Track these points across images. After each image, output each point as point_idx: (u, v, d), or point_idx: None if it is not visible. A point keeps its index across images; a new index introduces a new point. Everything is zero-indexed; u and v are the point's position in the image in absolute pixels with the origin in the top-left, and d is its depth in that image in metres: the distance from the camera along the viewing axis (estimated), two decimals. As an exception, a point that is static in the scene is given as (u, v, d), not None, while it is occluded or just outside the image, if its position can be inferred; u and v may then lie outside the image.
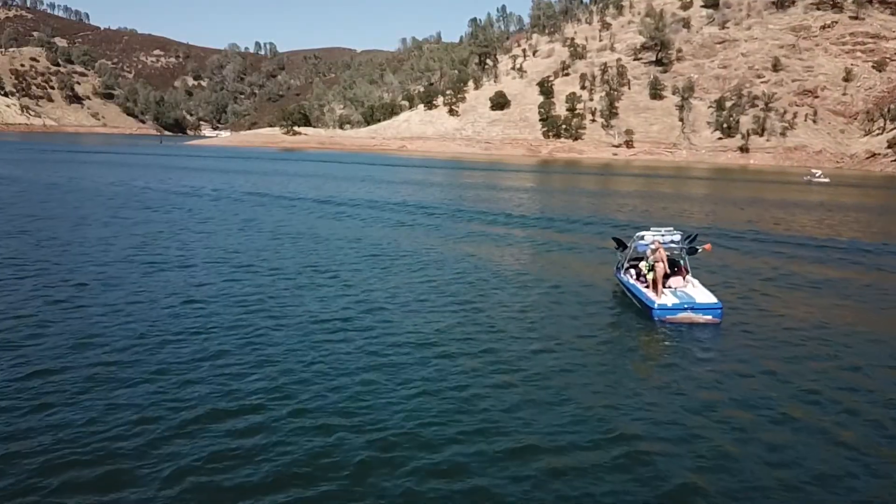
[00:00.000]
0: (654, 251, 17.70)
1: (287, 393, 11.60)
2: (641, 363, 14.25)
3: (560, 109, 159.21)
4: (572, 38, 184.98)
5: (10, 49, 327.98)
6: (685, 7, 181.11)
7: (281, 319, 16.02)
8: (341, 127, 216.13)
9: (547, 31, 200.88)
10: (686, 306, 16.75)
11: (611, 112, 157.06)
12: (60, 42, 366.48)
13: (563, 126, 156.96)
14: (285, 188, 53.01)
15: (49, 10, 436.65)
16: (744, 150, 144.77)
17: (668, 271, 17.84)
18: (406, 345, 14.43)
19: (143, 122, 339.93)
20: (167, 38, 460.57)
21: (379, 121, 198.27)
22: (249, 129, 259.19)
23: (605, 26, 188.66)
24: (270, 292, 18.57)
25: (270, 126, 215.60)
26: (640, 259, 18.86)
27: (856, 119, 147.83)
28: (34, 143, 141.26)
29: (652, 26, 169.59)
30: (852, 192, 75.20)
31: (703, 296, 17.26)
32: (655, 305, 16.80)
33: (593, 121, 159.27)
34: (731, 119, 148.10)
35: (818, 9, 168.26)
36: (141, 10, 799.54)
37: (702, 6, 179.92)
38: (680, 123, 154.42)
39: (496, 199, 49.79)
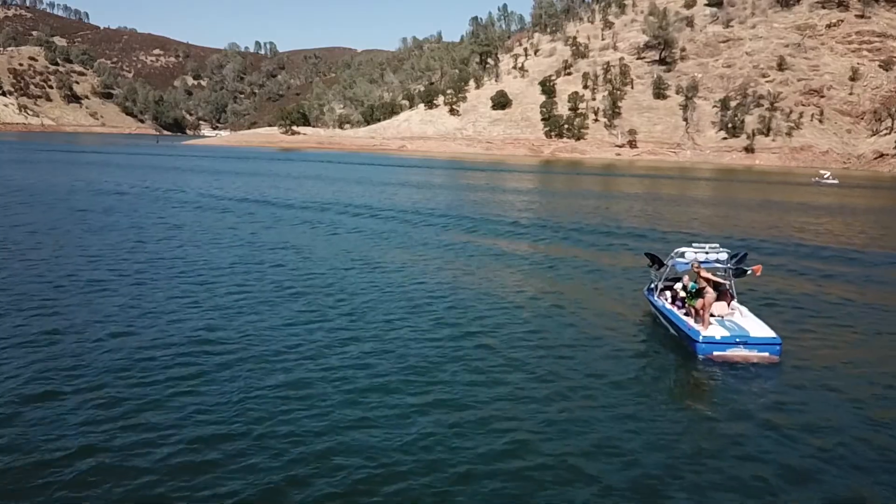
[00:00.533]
0: (696, 270, 15.08)
1: (224, 471, 8.89)
2: (690, 414, 11.42)
3: (562, 109, 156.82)
4: (574, 37, 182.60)
5: (9, 48, 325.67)
6: (689, 5, 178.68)
7: (233, 355, 13.31)
8: (341, 126, 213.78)
9: (549, 30, 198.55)
10: (738, 340, 13.97)
11: (614, 112, 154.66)
12: (60, 41, 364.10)
13: (566, 126, 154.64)
14: (275, 191, 50.36)
15: (49, 10, 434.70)
16: (749, 150, 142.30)
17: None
18: (397, 391, 11.83)
19: (142, 121, 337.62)
20: (167, 38, 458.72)
21: (379, 120, 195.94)
22: (249, 128, 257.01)
23: (608, 25, 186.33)
24: (228, 320, 15.77)
25: (270, 126, 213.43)
26: (677, 280, 16.36)
27: (863, 119, 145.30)
28: (26, 143, 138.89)
29: (655, 25, 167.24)
30: (866, 194, 72.74)
31: (758, 328, 14.43)
32: (700, 338, 14.04)
33: (596, 120, 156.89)
34: (736, 119, 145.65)
35: (823, 7, 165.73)
36: (140, 10, 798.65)
37: (705, 4, 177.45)
38: (684, 123, 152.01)
39: (500, 203, 47.05)
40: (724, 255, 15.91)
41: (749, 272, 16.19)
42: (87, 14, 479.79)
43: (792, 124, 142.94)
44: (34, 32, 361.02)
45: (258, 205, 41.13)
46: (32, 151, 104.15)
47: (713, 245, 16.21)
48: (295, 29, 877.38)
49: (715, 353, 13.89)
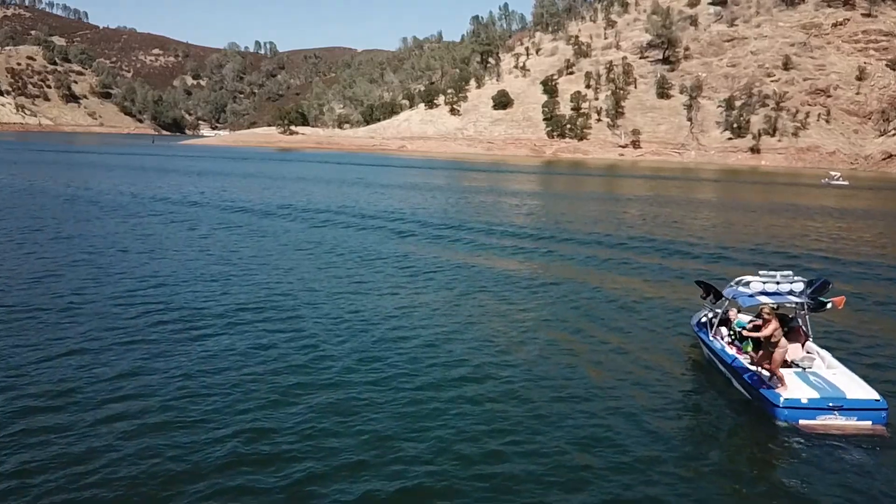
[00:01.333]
0: (766, 319, 11.47)
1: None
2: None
3: (564, 109, 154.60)
4: (576, 37, 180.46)
5: (7, 48, 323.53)
6: (692, 4, 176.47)
7: (166, 413, 10.64)
8: (340, 126, 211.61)
9: (550, 29, 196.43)
10: (830, 405, 10.65)
11: (617, 111, 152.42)
12: (58, 41, 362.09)
13: (568, 126, 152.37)
14: (264, 194, 47.65)
15: (48, 9, 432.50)
16: (755, 150, 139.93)
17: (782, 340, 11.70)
18: (384, 473, 9.21)
19: (141, 121, 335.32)
20: (166, 37, 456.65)
21: (378, 120, 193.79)
22: (249, 128, 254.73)
23: (610, 24, 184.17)
24: (177, 362, 12.90)
25: (269, 126, 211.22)
26: (737, 311, 13.27)
27: (870, 119, 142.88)
28: (16, 143, 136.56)
29: (658, 24, 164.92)
30: (882, 196, 70.38)
31: (854, 386, 11.09)
32: (781, 402, 10.75)
33: (599, 120, 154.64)
34: (742, 119, 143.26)
35: (829, 6, 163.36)
36: (140, 9, 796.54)
37: (709, 3, 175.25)
38: (688, 123, 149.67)
39: (503, 209, 43.93)
40: (799, 286, 12.45)
41: (829, 305, 12.53)
42: (86, 14, 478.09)
43: (798, 124, 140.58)
44: (33, 32, 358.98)
45: (246, 208, 38.51)
46: (20, 151, 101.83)
47: (785, 273, 12.70)
48: (295, 29, 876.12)
49: (801, 421, 10.65)
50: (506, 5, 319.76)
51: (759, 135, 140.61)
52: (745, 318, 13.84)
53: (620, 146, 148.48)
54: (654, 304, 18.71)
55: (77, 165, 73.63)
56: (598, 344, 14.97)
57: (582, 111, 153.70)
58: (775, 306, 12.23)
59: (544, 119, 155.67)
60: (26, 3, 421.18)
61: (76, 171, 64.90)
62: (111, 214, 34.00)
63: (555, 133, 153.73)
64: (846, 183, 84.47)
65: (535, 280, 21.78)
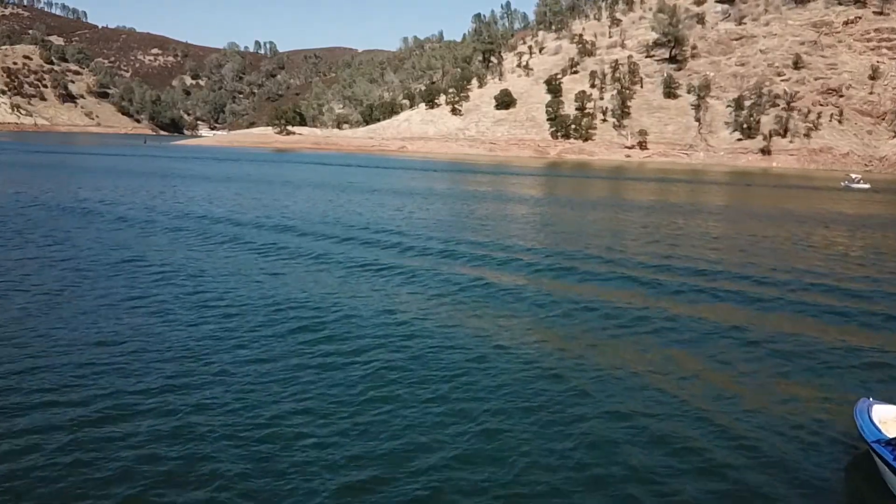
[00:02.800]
0: None
1: None
2: None
3: (569, 109, 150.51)
4: (580, 35, 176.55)
5: (3, 47, 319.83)
6: (699, 2, 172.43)
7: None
8: (339, 126, 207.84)
9: (553, 28, 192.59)
10: None
11: (622, 111, 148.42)
12: (57, 40, 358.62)
13: (573, 126, 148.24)
14: (238, 202, 43.08)
15: (46, 9, 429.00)
16: (765, 151, 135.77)
17: None
18: None
19: (139, 121, 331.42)
20: (165, 37, 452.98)
21: (378, 120, 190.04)
22: (248, 129, 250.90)
23: (615, 22, 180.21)
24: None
25: (267, 126, 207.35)
26: None
27: (884, 119, 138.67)
28: (5, 144, 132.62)
29: (665, 22, 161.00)
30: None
31: None
32: None
33: (604, 121, 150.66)
34: (751, 119, 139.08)
35: (840, 3, 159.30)
36: (139, 9, 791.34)
37: (716, 1, 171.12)
38: (696, 124, 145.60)
39: (512, 222, 38.95)
40: None
41: None
42: (84, 13, 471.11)
43: (810, 125, 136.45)
44: (30, 31, 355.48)
45: (213, 218, 34.23)
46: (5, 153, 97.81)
47: None
48: (295, 29, 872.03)
49: None
50: (508, 4, 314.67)
51: (770, 136, 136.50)
52: None
53: (627, 147, 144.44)
54: (762, 391, 12.78)
55: (50, 167, 69.41)
56: (702, 455, 10.16)
57: (587, 111, 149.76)
58: None
59: (548, 119, 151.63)
60: (24, 2, 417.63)
61: (45, 173, 60.71)
62: (48, 225, 29.42)
63: (559, 133, 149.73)
64: (867, 186, 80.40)
65: (569, 347, 15.40)
